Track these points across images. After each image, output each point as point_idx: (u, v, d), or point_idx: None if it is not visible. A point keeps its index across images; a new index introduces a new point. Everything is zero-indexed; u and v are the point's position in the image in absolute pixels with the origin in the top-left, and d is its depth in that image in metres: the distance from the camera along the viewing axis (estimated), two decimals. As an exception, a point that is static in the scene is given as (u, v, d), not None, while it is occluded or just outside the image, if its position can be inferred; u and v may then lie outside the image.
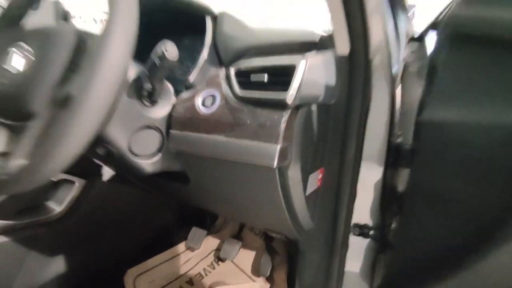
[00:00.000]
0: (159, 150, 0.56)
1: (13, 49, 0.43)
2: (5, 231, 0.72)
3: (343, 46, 0.53)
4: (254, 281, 0.98)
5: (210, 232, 1.12)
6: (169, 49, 0.43)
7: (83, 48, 0.42)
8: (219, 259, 1.07)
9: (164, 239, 1.08)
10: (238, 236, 1.10)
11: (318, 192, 0.64)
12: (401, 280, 0.47)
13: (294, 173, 0.52)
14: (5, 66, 0.43)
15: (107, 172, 0.67)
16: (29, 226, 0.75)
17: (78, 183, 0.80)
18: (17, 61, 0.43)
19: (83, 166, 0.59)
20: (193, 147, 0.54)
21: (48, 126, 0.40)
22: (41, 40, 0.43)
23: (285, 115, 0.47)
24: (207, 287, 0.97)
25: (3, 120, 0.45)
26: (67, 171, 0.78)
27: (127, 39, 0.37)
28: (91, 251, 0.91)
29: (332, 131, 0.59)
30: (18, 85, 0.42)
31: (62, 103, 0.39)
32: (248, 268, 1.03)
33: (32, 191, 0.74)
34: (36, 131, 0.40)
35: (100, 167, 0.73)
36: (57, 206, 0.78)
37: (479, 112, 0.35)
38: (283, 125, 0.46)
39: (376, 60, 0.54)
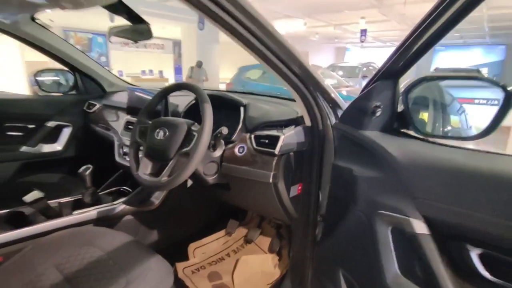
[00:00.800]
0: (216, 172, 1.13)
1: (160, 130, 1.03)
2: (131, 213, 1.33)
3: (307, 121, 1.07)
4: (267, 254, 1.52)
5: (241, 224, 1.68)
6: (224, 131, 1.01)
7: (190, 130, 1.00)
8: (246, 241, 1.63)
9: (212, 226, 1.66)
10: (259, 226, 1.65)
11: (299, 196, 1.16)
12: (324, 235, 0.99)
13: (281, 185, 1.06)
14: (156, 137, 1.03)
15: (189, 182, 1.26)
16: (141, 211, 1.36)
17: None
18: (161, 135, 1.03)
19: None
20: (233, 172, 1.10)
21: (177, 164, 0.98)
22: (170, 126, 1.02)
23: (275, 159, 1.02)
24: (239, 257, 1.52)
25: (155, 160, 1.04)
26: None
27: (210, 127, 0.95)
28: (170, 230, 1.51)
29: (305, 164, 1.12)
30: (161, 145, 1.01)
31: (183, 155, 0.97)
32: (265, 247, 1.57)
33: (146, 192, 1.35)
34: (172, 165, 0.99)
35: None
36: (156, 200, 1.38)
37: (347, 164, 0.87)
38: (274, 163, 1.01)
39: (324, 127, 1.07)
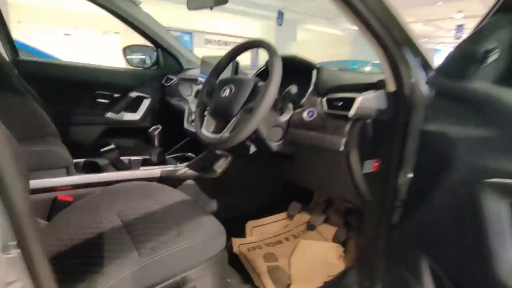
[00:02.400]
0: (281, 139, 1.04)
1: (226, 87, 0.98)
2: (193, 177, 1.32)
3: (391, 87, 0.91)
4: (331, 243, 1.37)
5: (304, 208, 1.56)
6: (293, 89, 0.91)
7: (257, 86, 0.93)
8: (308, 227, 1.50)
9: (273, 206, 1.58)
10: (324, 213, 1.51)
11: (376, 174, 0.99)
12: (404, 218, 0.82)
13: (353, 156, 0.92)
14: (222, 94, 0.98)
15: (252, 149, 1.20)
16: (203, 178, 1.35)
17: (230, 157, 1.37)
18: (227, 92, 0.98)
19: (232, 149, 1.12)
20: (300, 138, 1.00)
21: (240, 120, 0.92)
22: (238, 83, 0.97)
23: (349, 123, 0.88)
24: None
25: (219, 118, 1.00)
26: (226, 150, 1.35)
27: (278, 81, 0.86)
28: (228, 201, 1.47)
29: (386, 137, 0.95)
30: (226, 102, 0.96)
31: (247, 111, 0.90)
32: (329, 236, 1.42)
33: (209, 159, 1.34)
34: (234, 122, 0.93)
35: (244, 149, 1.26)
36: (218, 169, 1.36)
37: (441, 126, 0.69)
38: (346, 128, 0.88)
39: (411, 93, 0.89)
